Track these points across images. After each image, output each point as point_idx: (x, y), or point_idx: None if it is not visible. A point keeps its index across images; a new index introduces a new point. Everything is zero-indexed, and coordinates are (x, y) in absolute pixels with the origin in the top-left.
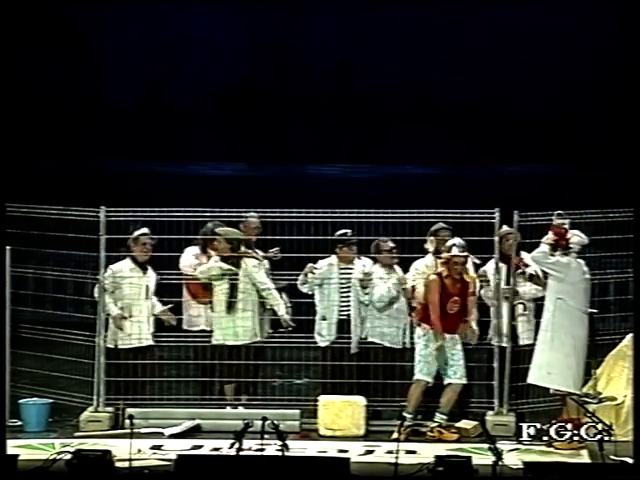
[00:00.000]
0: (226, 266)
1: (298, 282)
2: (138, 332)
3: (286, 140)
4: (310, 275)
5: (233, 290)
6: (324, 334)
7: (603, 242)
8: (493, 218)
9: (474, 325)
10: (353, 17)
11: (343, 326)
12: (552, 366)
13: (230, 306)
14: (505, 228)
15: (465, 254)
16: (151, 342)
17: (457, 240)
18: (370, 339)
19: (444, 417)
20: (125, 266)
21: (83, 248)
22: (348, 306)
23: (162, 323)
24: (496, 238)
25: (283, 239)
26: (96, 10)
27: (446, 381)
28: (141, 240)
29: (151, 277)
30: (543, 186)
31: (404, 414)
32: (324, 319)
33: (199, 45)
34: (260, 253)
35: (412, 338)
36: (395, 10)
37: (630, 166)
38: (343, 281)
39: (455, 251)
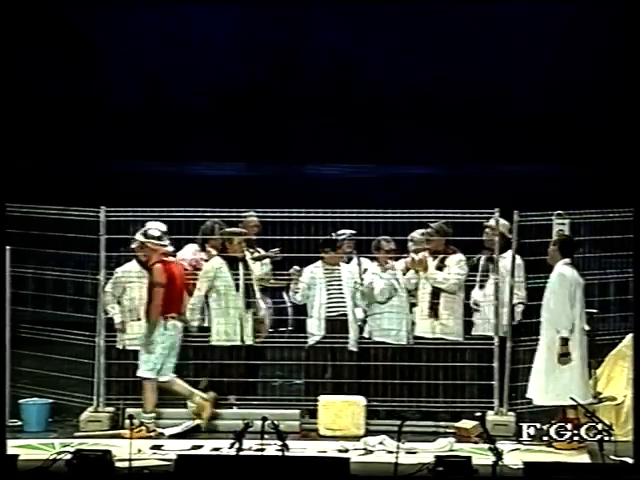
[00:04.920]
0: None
1: (291, 294)
2: None
3: (286, 140)
4: (299, 284)
5: (251, 290)
6: (314, 332)
7: (603, 242)
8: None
9: None
10: (353, 17)
11: (337, 326)
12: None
13: (249, 306)
14: (491, 222)
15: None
16: None
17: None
18: (375, 338)
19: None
20: (131, 268)
21: (83, 248)
22: (340, 305)
23: None
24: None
25: (283, 239)
26: (96, 10)
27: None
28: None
29: None
30: (543, 186)
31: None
32: (311, 317)
33: (199, 45)
34: (262, 252)
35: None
36: (395, 10)
37: (630, 166)
38: (330, 281)
39: None
